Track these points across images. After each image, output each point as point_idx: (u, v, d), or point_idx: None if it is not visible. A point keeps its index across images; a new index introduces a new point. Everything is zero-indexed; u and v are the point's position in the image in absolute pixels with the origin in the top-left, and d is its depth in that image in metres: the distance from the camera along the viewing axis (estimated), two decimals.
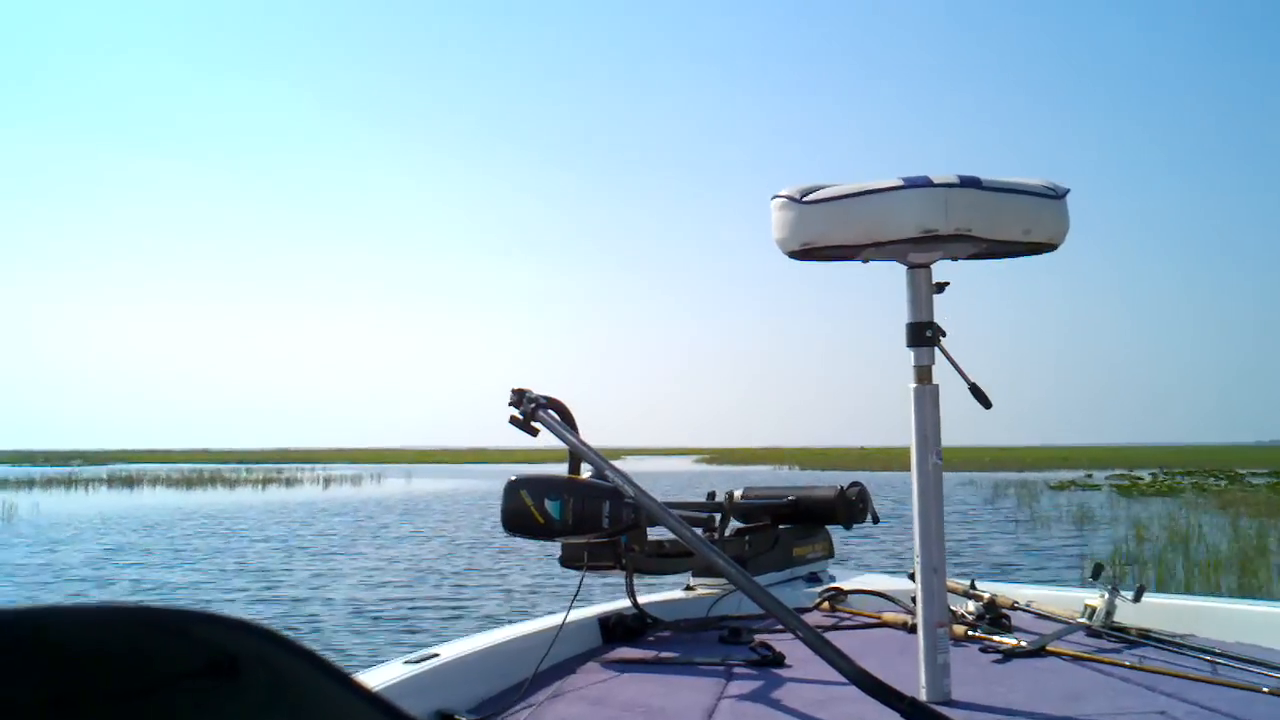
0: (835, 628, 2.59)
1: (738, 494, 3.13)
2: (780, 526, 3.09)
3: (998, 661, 2.19)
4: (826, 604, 2.78)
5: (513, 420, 2.51)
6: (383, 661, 2.04)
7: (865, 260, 1.92)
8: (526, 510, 2.38)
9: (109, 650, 0.47)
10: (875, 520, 3.16)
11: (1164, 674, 2.01)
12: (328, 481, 36.76)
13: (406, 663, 1.99)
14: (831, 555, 3.24)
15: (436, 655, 2.06)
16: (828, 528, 3.24)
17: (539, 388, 2.53)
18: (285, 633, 0.50)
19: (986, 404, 1.92)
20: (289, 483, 35.36)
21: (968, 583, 2.61)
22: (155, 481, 37.80)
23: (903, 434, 1.93)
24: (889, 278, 1.93)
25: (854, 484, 3.17)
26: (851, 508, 3.10)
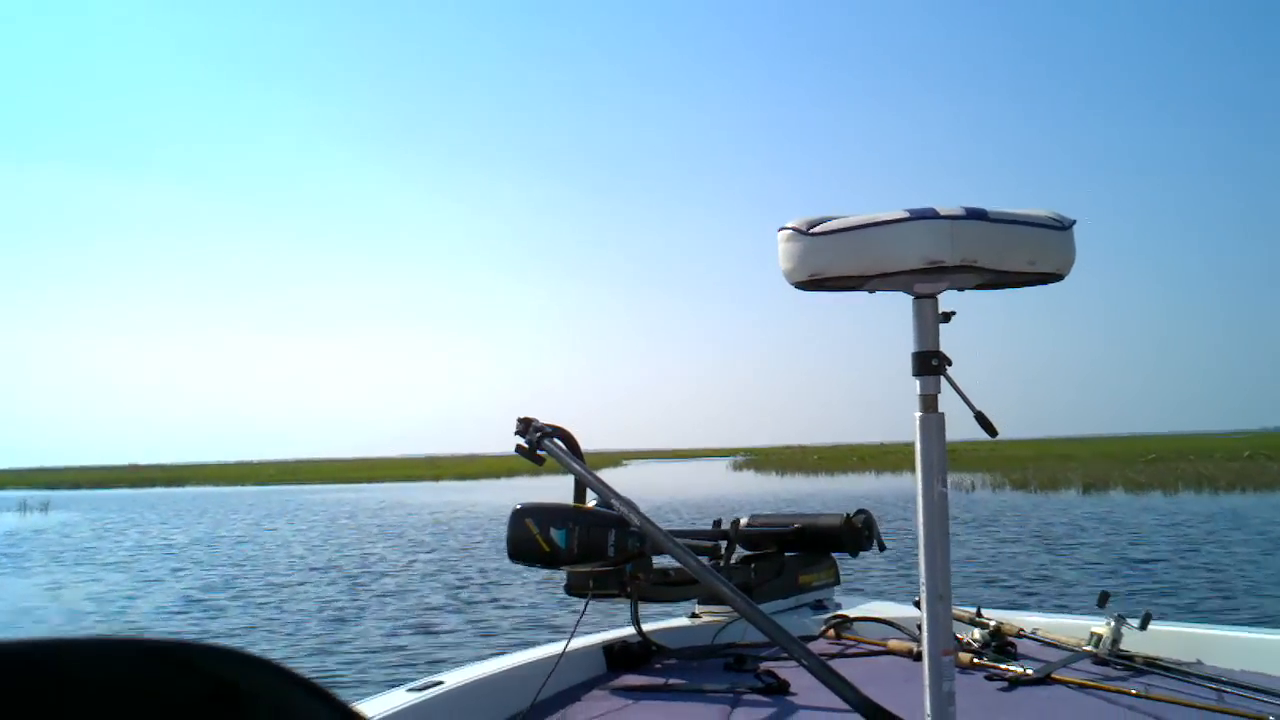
0: (841, 655, 2.59)
1: (743, 521, 3.13)
2: (786, 554, 3.09)
3: (1003, 690, 2.19)
4: (832, 631, 2.78)
5: (519, 449, 2.52)
6: (386, 690, 2.04)
7: (871, 291, 1.93)
8: (532, 538, 2.39)
9: (111, 682, 0.47)
10: (881, 548, 3.16)
11: (1171, 702, 2.01)
12: (327, 504, 35.72)
13: (410, 690, 2.00)
14: (837, 582, 3.24)
15: (441, 683, 2.06)
16: (834, 555, 3.24)
17: (544, 413, 2.55)
18: (286, 664, 0.51)
19: (992, 432, 1.93)
20: (293, 505, 34.48)
21: (973, 609, 2.61)
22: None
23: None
24: (895, 307, 1.95)
25: (860, 511, 3.17)
26: (858, 535, 3.10)
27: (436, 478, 58.00)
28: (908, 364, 1.94)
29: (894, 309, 1.96)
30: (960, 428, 1.96)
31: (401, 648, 8.62)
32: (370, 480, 58.72)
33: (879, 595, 3.19)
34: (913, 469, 1.85)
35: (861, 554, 3.15)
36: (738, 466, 62.33)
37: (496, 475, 58.09)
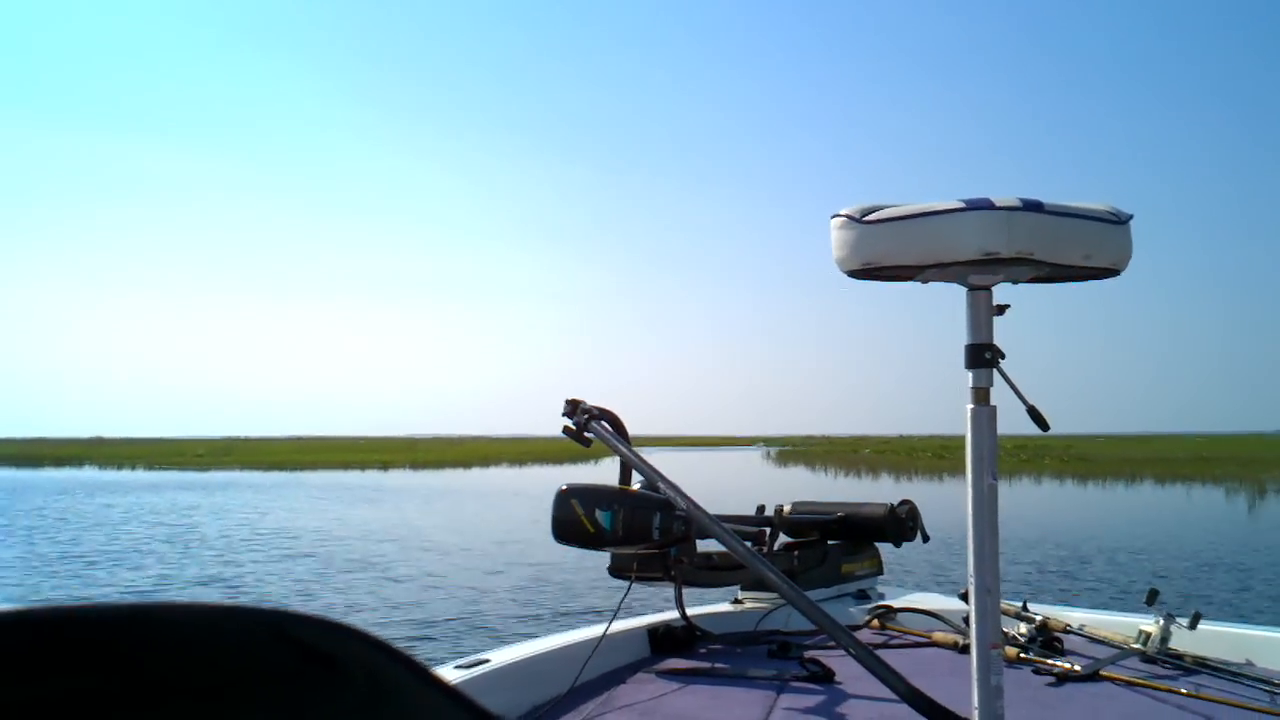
0: (885, 646, 2.58)
1: (787, 508, 3.13)
2: (829, 542, 3.08)
3: (1051, 685, 2.18)
4: (876, 621, 2.77)
5: (566, 430, 2.54)
6: (434, 665, 2.07)
7: (924, 281, 1.91)
8: (577, 520, 2.41)
9: (210, 647, 0.48)
10: (925, 539, 3.15)
11: (1221, 703, 1.99)
12: (368, 480, 33.84)
13: (457, 667, 2.02)
14: (880, 572, 3.23)
15: (487, 661, 2.08)
16: (877, 545, 3.23)
17: (590, 395, 2.56)
18: (378, 633, 0.52)
19: (1044, 426, 1.91)
20: (324, 482, 32.74)
21: (1019, 604, 2.59)
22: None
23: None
24: (948, 298, 1.93)
25: (904, 502, 3.16)
26: (901, 526, 3.09)
27: (414, 464, 44.85)
28: (959, 356, 1.93)
29: (947, 300, 1.95)
30: (1011, 421, 1.94)
31: (449, 622, 8.71)
32: (312, 466, 43.87)
33: (920, 587, 3.18)
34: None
35: (905, 545, 3.14)
36: (779, 459, 53.11)
37: (485, 462, 47.34)
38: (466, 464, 45.51)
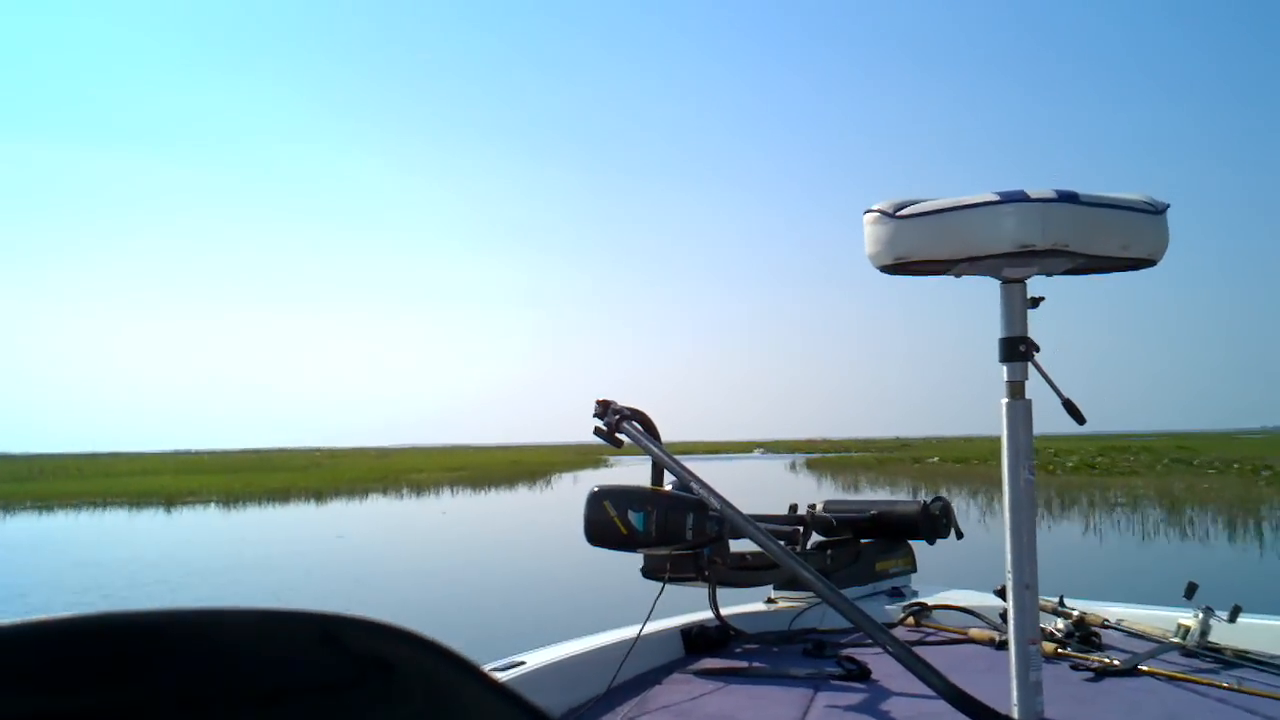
0: (921, 643, 2.56)
1: (819, 507, 3.12)
2: (862, 540, 3.07)
3: (1090, 680, 2.16)
4: (911, 619, 2.76)
5: (597, 431, 2.54)
6: None
7: (958, 275, 1.90)
8: (610, 521, 2.40)
9: (253, 654, 0.47)
10: (959, 535, 3.13)
11: (1264, 696, 1.96)
12: (405, 488, 32.09)
13: (493, 670, 2.02)
14: (914, 570, 3.22)
15: (523, 662, 2.08)
16: (910, 543, 3.21)
17: (621, 398, 2.55)
18: (436, 638, 0.50)
19: (1080, 419, 1.90)
20: (358, 489, 31.24)
21: (1056, 599, 2.57)
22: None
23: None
24: (981, 292, 1.91)
25: (937, 498, 3.14)
26: (935, 522, 3.07)
27: (383, 485, 31.50)
28: (993, 351, 1.92)
29: (980, 294, 1.93)
30: (1047, 420, 1.89)
31: (485, 624, 8.72)
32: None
33: (955, 584, 3.16)
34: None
35: (939, 542, 3.13)
36: (818, 468, 41.13)
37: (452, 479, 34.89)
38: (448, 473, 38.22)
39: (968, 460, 40.23)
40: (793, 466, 45.52)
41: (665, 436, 2.58)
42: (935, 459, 43.04)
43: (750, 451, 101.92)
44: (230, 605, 0.48)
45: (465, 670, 0.51)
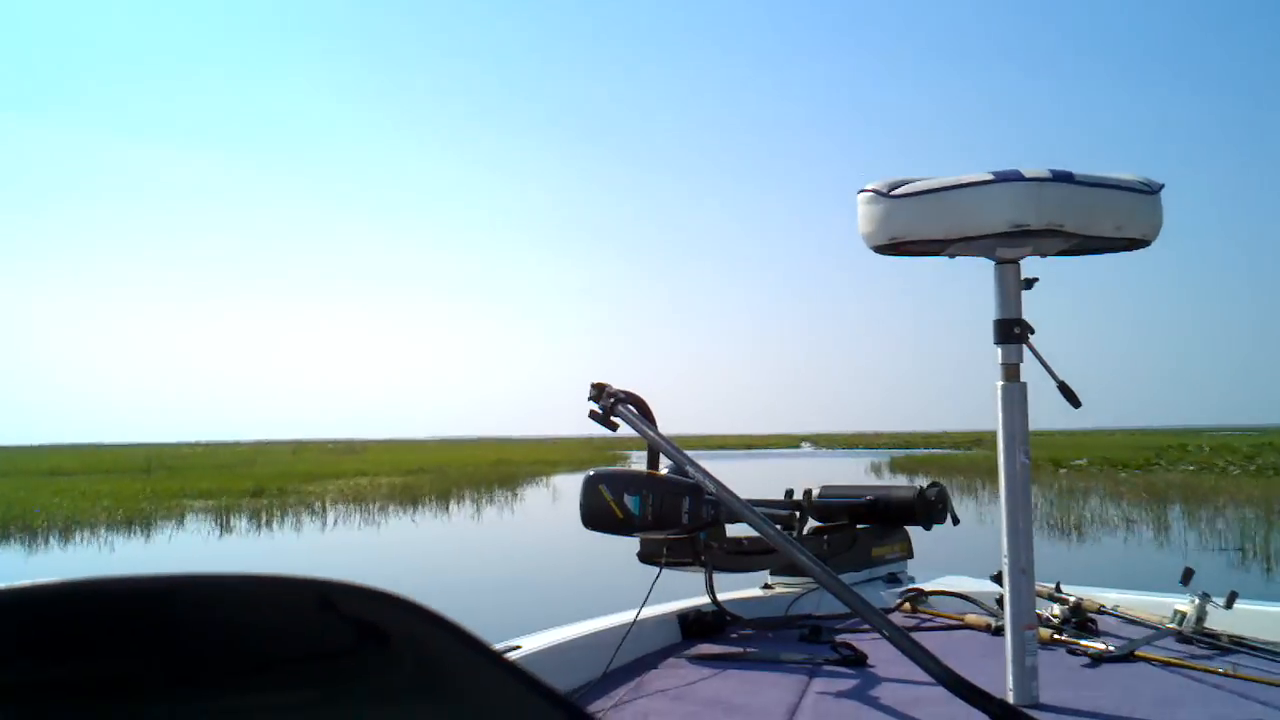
0: (917, 629, 2.56)
1: (815, 492, 3.11)
2: (858, 526, 3.06)
3: (1086, 666, 2.15)
4: (907, 605, 2.75)
5: (592, 415, 2.52)
6: None
7: (952, 255, 1.89)
8: (606, 506, 2.39)
9: (249, 620, 0.47)
10: (955, 521, 3.12)
11: (1259, 682, 1.95)
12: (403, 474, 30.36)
13: None
14: (910, 556, 3.21)
15: (519, 647, 2.08)
16: (906, 528, 3.20)
17: (617, 382, 2.53)
18: (430, 605, 0.50)
19: (1075, 403, 1.89)
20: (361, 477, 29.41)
21: (1053, 585, 2.57)
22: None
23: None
24: (975, 273, 1.88)
25: (933, 484, 3.13)
26: (930, 508, 3.06)
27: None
28: (987, 334, 1.91)
29: (974, 277, 1.91)
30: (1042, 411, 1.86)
31: (480, 609, 8.72)
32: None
33: (951, 571, 3.15)
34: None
35: (935, 528, 3.11)
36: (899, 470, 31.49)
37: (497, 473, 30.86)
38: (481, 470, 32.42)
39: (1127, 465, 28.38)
40: (877, 469, 33.20)
41: (694, 430, 2.54)
42: (1083, 461, 30.89)
43: (797, 446, 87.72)
44: (226, 571, 0.47)
45: (462, 639, 0.50)
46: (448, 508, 20.02)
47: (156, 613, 0.45)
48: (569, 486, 24.68)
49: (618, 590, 2.67)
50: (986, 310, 1.90)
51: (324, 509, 19.09)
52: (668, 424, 2.54)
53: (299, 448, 74.72)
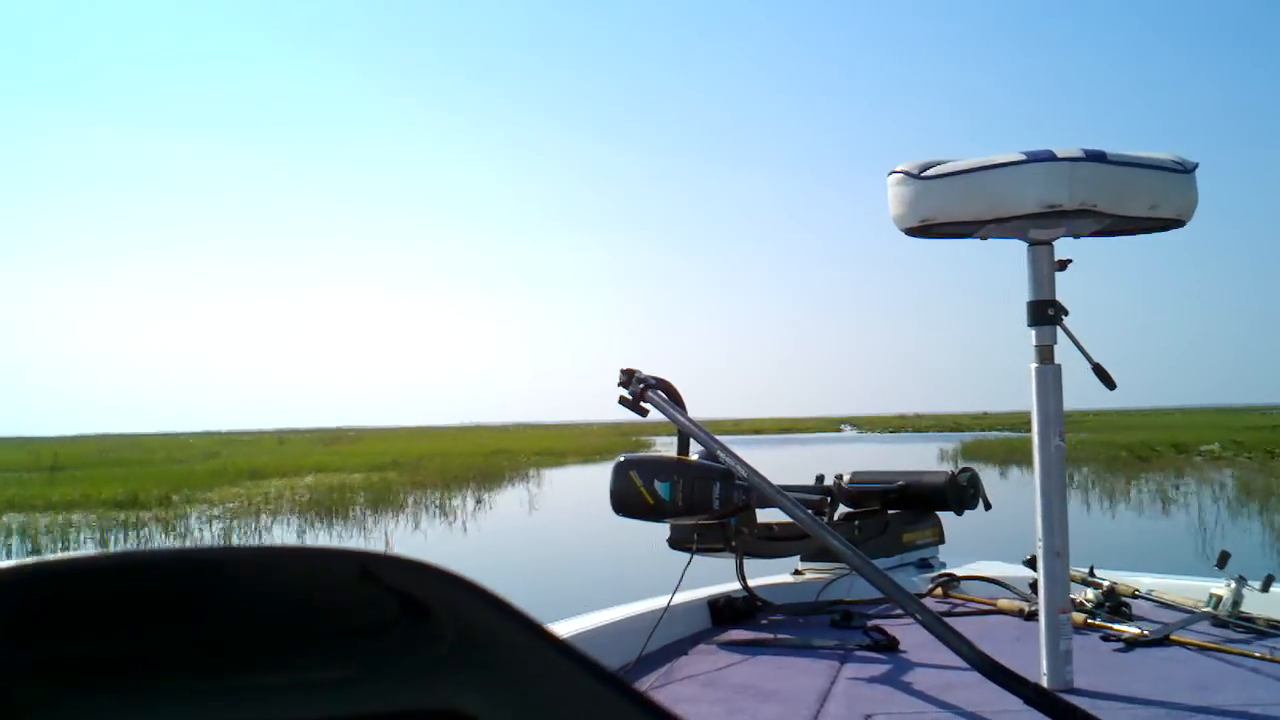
0: (949, 614, 2.55)
1: (846, 478, 3.10)
2: (889, 511, 3.05)
3: (1120, 650, 2.14)
4: (940, 590, 2.74)
5: (622, 400, 2.52)
6: None
7: (984, 237, 1.88)
8: (636, 491, 2.40)
9: (297, 591, 0.46)
10: (987, 507, 3.10)
11: None
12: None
13: None
14: (942, 541, 3.19)
15: None
16: (938, 514, 3.19)
17: (648, 367, 2.53)
18: (472, 578, 0.48)
19: (1110, 384, 1.88)
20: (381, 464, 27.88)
21: (1086, 569, 2.55)
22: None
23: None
24: (1007, 255, 1.87)
25: (965, 469, 3.12)
26: (962, 493, 3.04)
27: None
28: (1021, 316, 1.89)
29: (1007, 259, 1.89)
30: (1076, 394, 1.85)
31: (510, 596, 8.72)
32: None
33: (982, 555, 3.13)
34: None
35: (966, 513, 3.10)
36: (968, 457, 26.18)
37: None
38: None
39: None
40: (949, 456, 27.48)
41: (729, 414, 2.51)
42: (1214, 446, 26.77)
43: (838, 430, 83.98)
44: (267, 544, 0.46)
45: (505, 611, 0.49)
46: (399, 515, 16.13)
47: (195, 586, 0.44)
48: (572, 483, 22.45)
49: (648, 576, 2.67)
50: (1020, 292, 1.88)
51: (228, 518, 15.92)
52: (702, 409, 2.53)
53: (285, 438, 66.04)
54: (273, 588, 0.46)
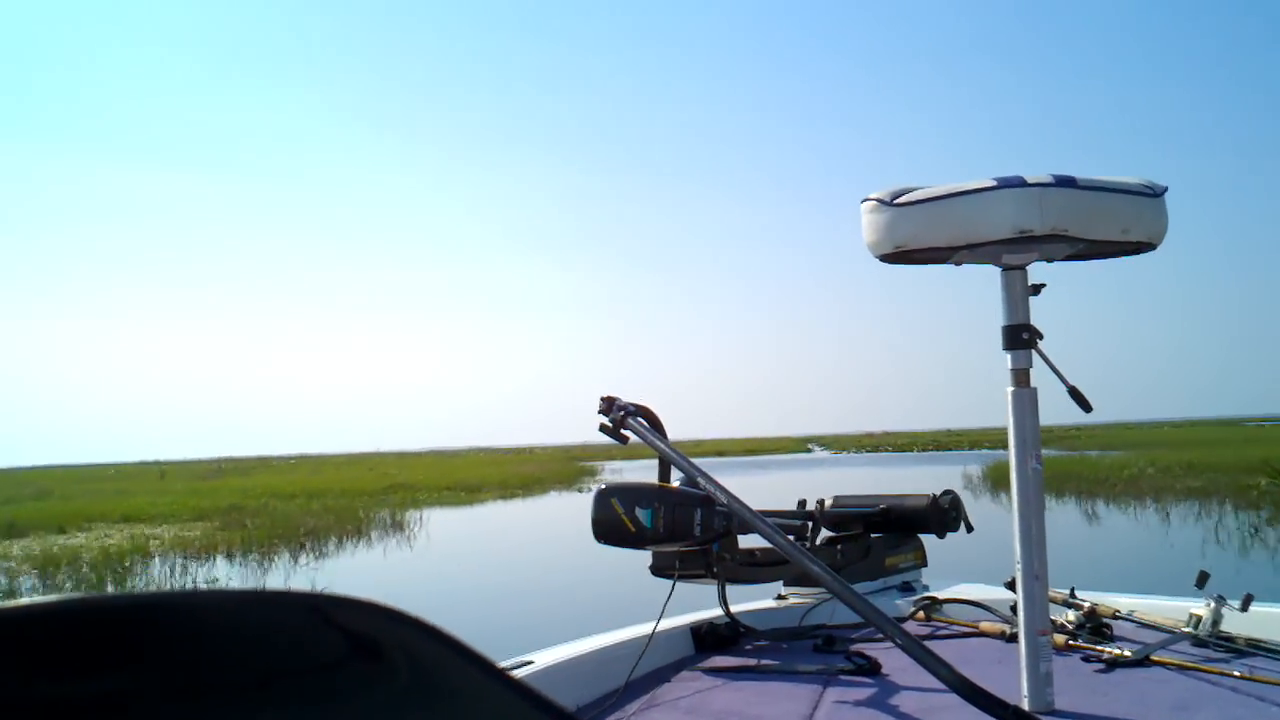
0: (931, 637, 2.55)
1: (828, 502, 3.10)
2: (872, 535, 3.05)
3: (1101, 671, 2.14)
4: (921, 613, 2.74)
5: (602, 428, 2.53)
6: None
7: (958, 263, 1.90)
8: (618, 519, 2.39)
9: (251, 634, 0.46)
10: (969, 529, 3.11)
11: (1276, 684, 1.95)
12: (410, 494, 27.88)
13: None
14: (924, 564, 3.20)
15: (531, 662, 2.08)
16: (920, 537, 3.19)
17: (608, 386, 2.52)
18: (429, 619, 0.49)
19: (1086, 407, 1.89)
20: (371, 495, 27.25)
21: (1067, 591, 2.56)
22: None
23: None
24: (981, 280, 1.89)
25: (946, 492, 3.13)
26: (944, 516, 3.05)
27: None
28: (996, 340, 1.91)
29: (981, 284, 1.91)
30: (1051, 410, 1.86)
31: (491, 625, 8.70)
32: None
33: (966, 579, 3.14)
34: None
35: (949, 536, 3.11)
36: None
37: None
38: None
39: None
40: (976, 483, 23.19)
41: (687, 434, 2.55)
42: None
43: (806, 450, 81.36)
44: (217, 587, 0.46)
45: (459, 651, 0.49)
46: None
47: (149, 629, 0.44)
48: (455, 534, 18.95)
49: (630, 604, 2.67)
50: (995, 317, 1.90)
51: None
52: (668, 430, 2.55)
53: (166, 470, 56.36)
54: (229, 629, 0.46)
